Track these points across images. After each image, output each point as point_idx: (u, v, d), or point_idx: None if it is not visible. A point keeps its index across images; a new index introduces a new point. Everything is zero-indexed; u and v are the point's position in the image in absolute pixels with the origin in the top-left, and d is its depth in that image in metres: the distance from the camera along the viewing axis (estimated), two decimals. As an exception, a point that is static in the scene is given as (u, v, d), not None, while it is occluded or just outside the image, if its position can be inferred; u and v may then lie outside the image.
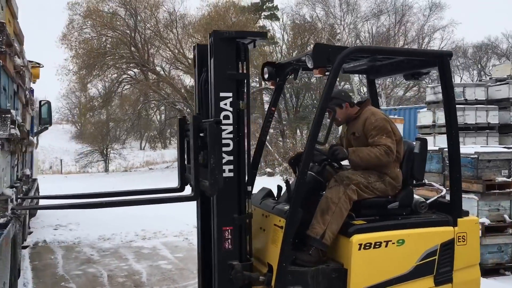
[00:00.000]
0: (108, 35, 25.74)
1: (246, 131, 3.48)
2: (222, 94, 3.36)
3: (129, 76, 28.00)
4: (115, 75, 27.41)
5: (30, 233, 6.95)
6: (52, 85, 30.33)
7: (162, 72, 27.36)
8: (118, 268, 5.86)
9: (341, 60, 3.46)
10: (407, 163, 3.91)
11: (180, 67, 27.18)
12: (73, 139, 43.17)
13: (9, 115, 2.79)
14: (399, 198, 3.77)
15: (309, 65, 3.57)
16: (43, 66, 7.36)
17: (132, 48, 25.75)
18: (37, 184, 9.39)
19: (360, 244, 3.38)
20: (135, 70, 27.68)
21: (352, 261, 3.37)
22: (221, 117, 3.36)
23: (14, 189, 3.25)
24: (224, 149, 3.33)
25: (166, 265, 6.00)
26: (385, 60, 4.16)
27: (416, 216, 3.81)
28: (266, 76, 4.21)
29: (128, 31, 25.69)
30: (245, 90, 3.46)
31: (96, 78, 26.81)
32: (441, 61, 3.80)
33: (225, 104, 3.37)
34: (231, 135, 3.38)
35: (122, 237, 7.47)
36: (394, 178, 3.79)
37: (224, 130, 3.35)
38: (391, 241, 3.48)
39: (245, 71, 3.47)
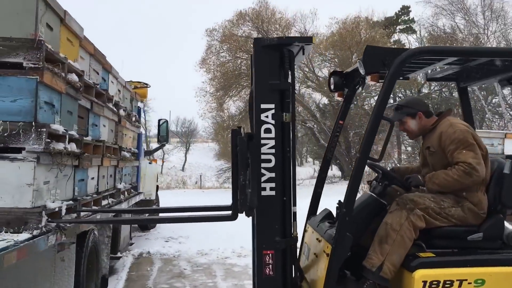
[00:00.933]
0: (243, 57, 26.88)
1: (291, 146, 3.21)
2: (263, 106, 3.14)
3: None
4: (248, 95, 28.49)
5: (131, 244, 7.34)
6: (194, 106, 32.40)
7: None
8: (203, 285, 5.87)
9: (400, 64, 3.01)
10: (495, 186, 3.25)
11: (311, 86, 27.27)
12: (216, 156, 45.76)
13: (45, 129, 2.91)
14: (483, 228, 3.15)
15: (361, 71, 3.19)
16: (150, 86, 7.82)
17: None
18: (154, 197, 10.00)
19: (425, 282, 2.88)
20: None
21: None
22: (262, 131, 3.13)
23: (64, 202, 3.37)
24: (265, 165, 3.12)
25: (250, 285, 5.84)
26: (474, 63, 3.55)
27: (507, 251, 3.14)
28: (332, 86, 3.88)
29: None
30: (290, 101, 3.20)
31: (231, 98, 28.12)
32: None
33: (267, 117, 3.14)
34: (273, 150, 3.13)
35: (219, 253, 7.51)
36: (477, 203, 3.18)
37: (265, 144, 3.12)
38: (466, 280, 2.90)
39: (290, 81, 3.21)
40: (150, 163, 10.05)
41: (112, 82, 5.30)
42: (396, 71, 3.00)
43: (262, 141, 3.13)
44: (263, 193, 3.11)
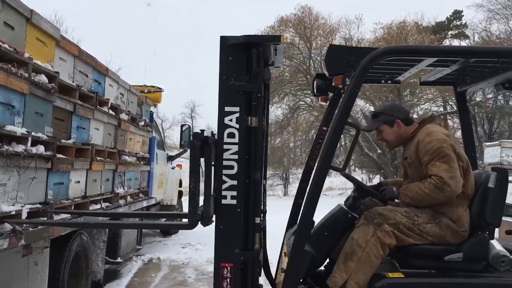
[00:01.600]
0: (285, 64, 26.66)
1: (257, 152, 2.97)
2: (227, 109, 2.94)
3: (304, 103, 28.51)
4: (292, 102, 28.25)
5: (138, 249, 7.27)
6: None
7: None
8: (202, 294, 5.69)
9: (366, 65, 2.77)
10: (479, 201, 2.91)
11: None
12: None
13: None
14: (464, 248, 2.83)
15: (326, 72, 2.93)
16: (163, 91, 7.77)
17: (308, 76, 26.20)
18: (176, 203, 9.95)
19: None
20: (311, 97, 28.11)
21: None
22: (225, 135, 2.93)
23: (26, 205, 3.29)
24: (226, 171, 2.91)
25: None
26: (471, 64, 3.20)
27: (490, 275, 2.80)
28: (315, 90, 3.62)
29: (303, 60, 26.24)
30: (258, 105, 2.97)
31: (273, 105, 27.94)
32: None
33: (231, 120, 2.94)
34: (235, 156, 2.91)
35: (229, 261, 7.31)
36: (456, 220, 2.87)
37: (228, 149, 2.91)
38: None
39: (260, 82, 2.98)
40: (173, 168, 10.03)
41: (110, 85, 5.25)
42: (361, 73, 2.75)
43: (225, 146, 2.93)
44: (223, 201, 2.91)
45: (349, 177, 3.25)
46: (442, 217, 2.87)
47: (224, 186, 2.91)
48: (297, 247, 2.77)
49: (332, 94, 3.62)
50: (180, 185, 10.36)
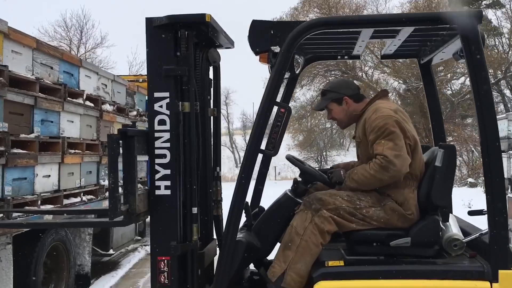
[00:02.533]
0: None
1: (192, 138, 2.78)
2: (156, 94, 2.76)
3: (334, 85, 27.98)
4: (322, 84, 27.78)
5: (138, 240, 7.23)
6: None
7: (364, 77, 26.49)
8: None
9: (292, 40, 2.56)
10: (428, 181, 2.66)
11: (386, 71, 25.90)
12: (296, 147, 45.35)
13: None
14: (412, 232, 2.59)
15: (251, 49, 2.72)
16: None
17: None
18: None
19: None
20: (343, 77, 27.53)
21: None
22: (156, 122, 2.75)
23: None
24: (159, 161, 2.74)
25: None
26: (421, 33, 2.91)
27: (441, 260, 2.56)
28: (270, 69, 3.39)
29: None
30: (189, 89, 2.76)
31: (303, 88, 27.55)
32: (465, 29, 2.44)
33: (161, 107, 2.75)
34: (167, 144, 2.74)
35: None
36: (402, 203, 2.63)
37: (159, 138, 2.74)
38: None
39: (190, 65, 2.77)
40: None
41: (87, 76, 5.18)
42: (288, 48, 2.54)
43: (156, 134, 2.75)
44: (157, 192, 2.75)
45: (292, 161, 3.02)
46: (387, 200, 2.64)
47: (157, 176, 2.74)
48: (227, 238, 2.58)
49: (288, 73, 3.39)
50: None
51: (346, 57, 3.37)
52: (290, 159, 3.02)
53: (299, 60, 3.10)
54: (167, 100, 2.74)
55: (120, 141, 2.57)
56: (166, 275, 2.72)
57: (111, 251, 5.93)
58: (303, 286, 2.58)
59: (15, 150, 3.79)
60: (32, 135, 4.05)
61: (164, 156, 2.75)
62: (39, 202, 4.11)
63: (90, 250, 5.34)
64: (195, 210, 2.77)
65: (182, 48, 2.75)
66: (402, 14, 2.89)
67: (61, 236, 4.65)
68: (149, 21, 2.78)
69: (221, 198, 3.29)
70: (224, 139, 47.68)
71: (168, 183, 2.74)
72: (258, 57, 2.91)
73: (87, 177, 5.15)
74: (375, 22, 2.78)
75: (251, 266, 3.14)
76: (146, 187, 2.91)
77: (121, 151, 2.61)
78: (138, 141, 2.64)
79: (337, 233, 2.70)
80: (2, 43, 3.69)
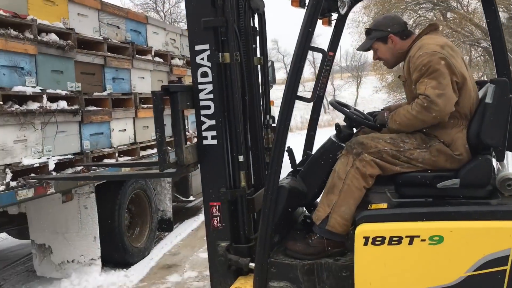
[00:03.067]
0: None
1: (234, 88, 2.83)
2: (197, 47, 2.80)
3: (426, 19, 26.21)
4: (412, 19, 26.16)
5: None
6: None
7: (459, 8, 24.48)
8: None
9: None
10: (478, 120, 2.49)
11: None
12: (384, 88, 43.63)
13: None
14: (462, 173, 2.47)
15: None
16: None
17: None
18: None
19: (367, 238, 2.37)
20: (434, 11, 25.70)
21: (355, 260, 2.41)
22: (199, 75, 2.81)
23: (52, 157, 3.60)
24: (204, 112, 2.82)
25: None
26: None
27: (492, 201, 2.44)
28: None
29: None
30: (228, 39, 2.77)
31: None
32: None
33: (202, 59, 2.80)
34: (211, 95, 2.80)
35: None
36: (450, 143, 2.51)
37: (203, 90, 2.81)
38: (418, 236, 2.32)
39: (227, 15, 2.75)
40: (262, 105, 10.09)
41: (155, 32, 5.36)
42: None
43: (200, 86, 2.81)
44: (204, 142, 2.85)
45: (336, 106, 2.96)
46: (433, 141, 2.52)
47: (204, 127, 2.83)
48: (269, 182, 2.64)
49: (335, 15, 3.28)
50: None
51: None
52: (333, 104, 2.97)
53: (343, 0, 2.98)
54: (208, 52, 2.78)
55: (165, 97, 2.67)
56: (218, 219, 2.87)
57: (191, 198, 6.30)
58: (348, 229, 2.60)
59: (90, 108, 4.11)
60: (104, 93, 4.35)
61: (208, 107, 2.82)
62: (117, 154, 4.45)
63: (171, 197, 5.73)
64: (241, 158, 2.85)
65: None
66: None
67: (141, 185, 5.03)
68: None
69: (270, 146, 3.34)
70: (311, 84, 46.93)
71: (214, 133, 2.82)
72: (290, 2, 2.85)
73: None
74: None
75: (305, 210, 3.22)
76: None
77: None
78: (181, 96, 2.72)
79: (386, 176, 2.65)
80: (67, 7, 3.93)
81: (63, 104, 3.73)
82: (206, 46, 2.78)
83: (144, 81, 5.07)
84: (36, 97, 3.48)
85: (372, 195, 2.65)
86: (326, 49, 3.40)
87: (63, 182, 3.69)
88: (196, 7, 2.78)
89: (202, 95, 2.81)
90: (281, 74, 45.15)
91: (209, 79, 2.79)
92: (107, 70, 4.41)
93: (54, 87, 3.68)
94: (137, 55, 4.86)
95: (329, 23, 3.30)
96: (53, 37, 3.65)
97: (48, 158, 3.58)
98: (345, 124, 2.95)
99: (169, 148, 3.02)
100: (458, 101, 2.45)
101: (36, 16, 3.52)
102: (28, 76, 3.45)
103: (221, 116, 2.81)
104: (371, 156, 2.54)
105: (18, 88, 3.32)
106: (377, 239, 2.35)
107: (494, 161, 2.50)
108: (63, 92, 3.75)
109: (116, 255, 4.69)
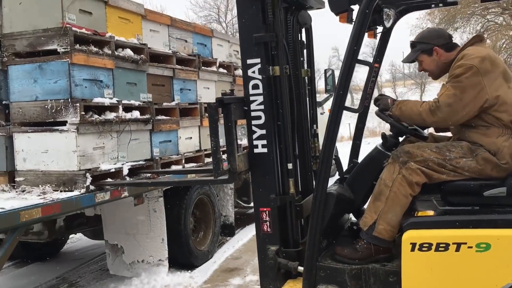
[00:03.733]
0: (465, -17, 23.77)
1: (284, 99, 2.97)
2: (249, 61, 2.98)
3: (495, 24, 25.20)
4: (480, 24, 25.24)
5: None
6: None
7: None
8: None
9: None
10: None
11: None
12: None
13: (78, 104, 3.42)
14: (509, 182, 2.51)
15: (331, 10, 2.79)
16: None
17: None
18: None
19: (414, 244, 2.43)
20: (503, 15, 24.68)
21: (402, 265, 2.48)
22: (250, 87, 3.00)
23: (126, 163, 3.88)
24: (255, 122, 3.00)
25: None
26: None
27: None
28: None
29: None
30: (278, 54, 2.93)
31: (456, 31, 25.36)
32: None
33: (253, 72, 2.97)
34: (261, 106, 2.97)
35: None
36: (496, 152, 2.57)
37: (254, 101, 2.98)
38: (465, 243, 2.36)
39: (277, 31, 2.92)
40: (322, 113, 10.16)
41: (219, 45, 5.61)
42: (367, 6, 2.53)
43: (251, 98, 2.99)
44: (255, 150, 3.01)
45: (381, 116, 3.05)
46: (479, 150, 2.56)
47: (254, 136, 3.00)
48: (318, 189, 2.71)
49: (380, 27, 3.36)
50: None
51: (441, 4, 3.18)
52: (378, 114, 3.05)
53: (389, 13, 3.05)
54: (259, 66, 2.94)
55: (219, 108, 2.85)
56: (268, 224, 3.00)
57: (252, 204, 6.46)
58: (394, 235, 2.67)
59: (159, 117, 4.38)
60: (173, 103, 4.62)
61: (259, 117, 2.98)
62: (183, 161, 4.71)
63: (233, 202, 5.92)
64: (290, 165, 2.98)
65: (269, 15, 2.90)
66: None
67: (205, 190, 5.26)
68: None
69: (317, 155, 3.44)
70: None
71: (264, 142, 2.97)
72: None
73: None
74: None
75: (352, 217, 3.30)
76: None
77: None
78: (234, 107, 2.91)
79: (432, 185, 2.69)
80: (141, 24, 4.23)
81: (136, 114, 4.01)
82: (257, 60, 2.95)
83: (209, 91, 5.31)
84: (113, 108, 3.78)
85: (419, 202, 2.71)
86: (373, 61, 3.50)
87: (134, 187, 3.95)
88: (248, 23, 2.97)
89: (253, 106, 2.98)
90: (341, 82, 44.69)
91: (260, 91, 2.96)
92: (175, 82, 4.69)
93: (129, 98, 3.97)
94: (202, 67, 5.11)
95: (375, 36, 3.39)
96: (128, 52, 3.95)
97: (123, 164, 3.86)
98: (391, 133, 3.04)
99: (223, 156, 3.19)
100: (503, 110, 2.53)
101: (114, 33, 3.83)
102: (106, 88, 3.75)
103: (271, 126, 2.97)
104: (417, 165, 2.62)
105: (97, 100, 3.62)
106: (424, 245, 2.41)
107: None
108: (137, 103, 4.03)
109: (182, 257, 4.92)
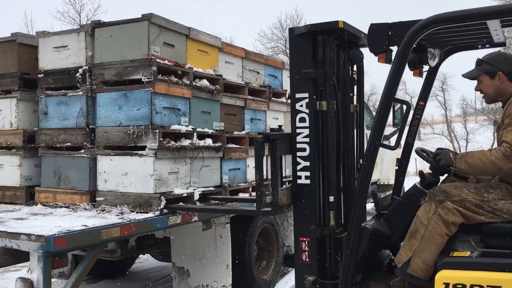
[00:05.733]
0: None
1: (329, 133, 3.08)
2: (298, 95, 3.13)
3: None
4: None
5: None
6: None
7: None
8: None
9: (410, 39, 2.61)
10: None
11: None
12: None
13: (158, 130, 3.62)
14: None
15: (370, 51, 2.88)
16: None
17: None
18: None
19: (447, 284, 2.46)
20: None
21: None
22: (297, 120, 3.13)
23: (197, 189, 4.02)
24: (300, 154, 3.12)
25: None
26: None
27: None
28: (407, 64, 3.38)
29: None
30: (325, 89, 3.06)
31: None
32: None
33: (301, 106, 3.11)
34: (307, 139, 3.09)
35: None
36: None
37: (300, 133, 3.11)
38: (500, 287, 2.36)
39: (326, 68, 3.06)
40: (393, 149, 10.02)
41: (289, 76, 5.71)
42: (405, 47, 2.60)
43: (297, 130, 3.12)
44: (298, 181, 3.12)
45: (421, 154, 3.03)
46: None
47: (299, 167, 3.10)
48: (352, 224, 2.76)
49: (426, 66, 3.37)
50: (396, 164, 10.26)
51: (488, 45, 3.23)
52: (419, 152, 3.06)
53: (434, 53, 3.08)
54: (307, 100, 3.08)
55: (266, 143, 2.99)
56: (307, 254, 3.07)
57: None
58: (429, 274, 2.64)
59: (230, 145, 4.53)
60: (243, 132, 4.76)
61: (304, 149, 3.09)
62: (250, 188, 4.80)
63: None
64: (331, 198, 3.06)
65: (319, 53, 3.05)
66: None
67: (269, 219, 5.31)
68: (291, 31, 3.17)
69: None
70: (441, 127, 44.78)
71: (307, 173, 3.08)
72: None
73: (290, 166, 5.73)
74: (491, 14, 2.56)
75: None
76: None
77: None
78: (280, 143, 3.03)
79: (472, 226, 2.68)
80: (217, 56, 4.44)
81: (209, 142, 4.17)
82: (306, 95, 3.08)
83: (277, 121, 5.41)
84: (188, 135, 3.96)
85: (457, 242, 2.70)
86: (418, 100, 3.58)
87: (203, 213, 4.08)
88: (298, 59, 3.12)
89: (299, 138, 3.10)
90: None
91: (306, 124, 3.09)
92: (246, 112, 4.84)
93: (203, 126, 4.15)
94: (273, 98, 5.24)
95: (420, 75, 3.41)
96: (205, 82, 4.15)
97: (194, 189, 4.01)
98: (430, 172, 3.05)
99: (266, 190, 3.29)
100: None
101: (193, 65, 4.05)
102: (183, 116, 3.95)
103: (315, 158, 3.07)
104: (454, 204, 2.62)
105: (175, 127, 3.82)
106: (458, 286, 2.43)
107: None
108: (210, 131, 4.20)
109: (245, 285, 4.97)
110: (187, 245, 4.72)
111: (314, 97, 3.06)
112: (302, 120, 3.10)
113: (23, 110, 4.32)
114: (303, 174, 3.10)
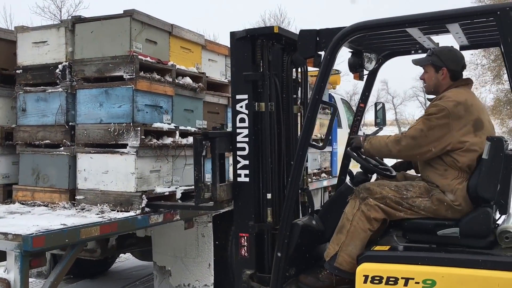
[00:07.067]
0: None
1: (266, 134, 3.23)
2: (238, 97, 3.27)
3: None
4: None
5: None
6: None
7: None
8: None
9: (335, 45, 2.78)
10: (477, 173, 2.69)
11: None
12: (504, 134, 40.54)
13: (139, 128, 3.57)
14: (462, 223, 2.66)
15: (300, 55, 3.18)
16: (340, 73, 7.90)
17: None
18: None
19: (366, 276, 2.63)
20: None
21: None
22: (237, 120, 3.28)
23: (180, 187, 3.99)
24: (240, 153, 3.27)
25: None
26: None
27: (487, 251, 2.59)
28: (349, 68, 3.42)
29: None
30: (263, 91, 3.21)
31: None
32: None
33: (241, 107, 3.26)
34: (246, 139, 3.24)
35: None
36: (450, 194, 2.71)
37: (240, 133, 3.26)
38: (413, 279, 2.52)
39: (265, 70, 3.21)
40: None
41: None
42: (331, 53, 2.77)
43: (237, 130, 3.27)
44: (238, 179, 3.27)
45: (351, 155, 3.14)
46: (435, 190, 2.72)
47: (239, 166, 3.26)
48: (283, 220, 2.91)
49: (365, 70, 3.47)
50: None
51: (420, 51, 3.37)
52: (349, 152, 3.18)
53: (370, 57, 3.20)
54: (246, 101, 3.21)
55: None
56: (245, 249, 3.22)
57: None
58: (355, 267, 2.75)
59: (213, 144, 4.49)
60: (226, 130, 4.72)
61: (244, 149, 3.24)
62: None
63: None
64: (269, 195, 3.20)
65: (258, 56, 3.18)
66: (439, 11, 2.69)
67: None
68: (232, 34, 3.29)
69: (308, 186, 3.63)
70: (393, 129, 45.12)
71: (247, 171, 3.23)
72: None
73: (312, 164, 6.24)
74: (410, 22, 2.69)
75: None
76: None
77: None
78: (219, 141, 3.16)
79: (396, 221, 2.86)
80: (201, 54, 4.40)
81: (191, 140, 4.11)
82: (245, 96, 3.22)
83: (261, 120, 5.40)
84: (170, 133, 3.92)
85: (382, 237, 2.91)
86: (359, 102, 3.83)
87: (184, 212, 4.04)
88: (238, 62, 3.26)
89: (239, 138, 3.25)
90: (389, 115, 44.39)
91: (246, 124, 3.23)
92: (229, 110, 4.78)
93: (185, 124, 4.11)
94: (256, 97, 5.21)
95: (360, 78, 3.56)
96: (187, 80, 4.11)
97: (176, 188, 3.97)
98: (360, 170, 3.19)
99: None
100: (460, 157, 2.66)
101: (175, 62, 4.01)
102: (165, 114, 3.91)
103: (254, 157, 3.21)
104: (375, 201, 2.79)
105: (157, 125, 3.77)
106: (376, 278, 2.59)
107: (497, 214, 2.69)
108: (192, 129, 4.16)
109: (227, 284, 4.94)
110: (168, 244, 4.67)
111: (253, 98, 3.17)
112: (242, 120, 3.23)
113: (1, 107, 4.22)
114: (242, 172, 3.23)
